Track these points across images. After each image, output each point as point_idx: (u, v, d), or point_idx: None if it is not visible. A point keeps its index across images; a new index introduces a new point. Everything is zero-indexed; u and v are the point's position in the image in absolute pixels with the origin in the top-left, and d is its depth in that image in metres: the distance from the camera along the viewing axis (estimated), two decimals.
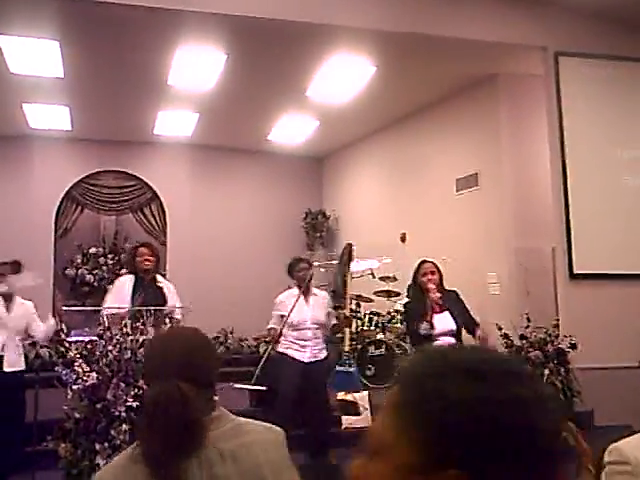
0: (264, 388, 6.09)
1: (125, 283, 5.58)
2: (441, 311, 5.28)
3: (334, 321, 6.27)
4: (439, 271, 5.42)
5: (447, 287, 5.52)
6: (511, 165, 8.74)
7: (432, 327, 5.14)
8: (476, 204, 9.17)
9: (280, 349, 5.89)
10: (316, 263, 10.59)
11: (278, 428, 1.78)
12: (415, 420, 0.80)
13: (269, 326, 5.97)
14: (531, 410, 0.80)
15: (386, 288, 9.32)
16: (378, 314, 9.31)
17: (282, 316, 5.85)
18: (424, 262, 5.47)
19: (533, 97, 8.48)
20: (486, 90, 9.02)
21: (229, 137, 11.66)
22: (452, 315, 5.27)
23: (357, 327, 9.39)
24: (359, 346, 8.89)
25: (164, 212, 12.02)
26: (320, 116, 10.46)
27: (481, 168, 9.13)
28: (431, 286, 5.29)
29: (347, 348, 5.74)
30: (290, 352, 5.81)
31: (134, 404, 3.97)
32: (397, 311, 9.15)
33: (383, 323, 9.18)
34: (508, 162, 8.75)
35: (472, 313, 5.52)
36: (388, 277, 9.29)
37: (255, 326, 10.64)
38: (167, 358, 1.67)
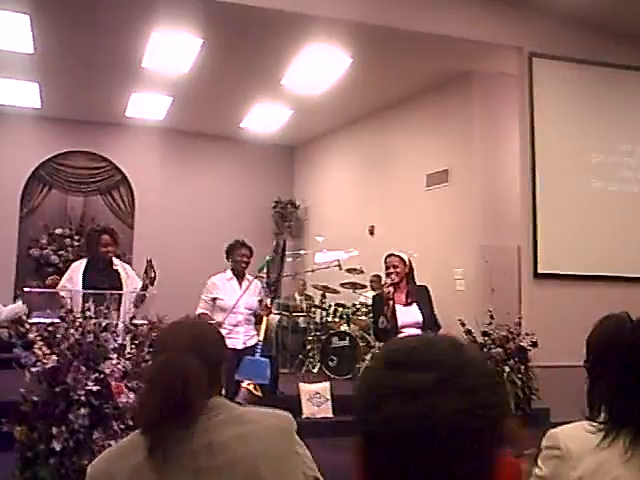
0: None
1: (78, 268, 5.48)
2: (408, 304, 5.32)
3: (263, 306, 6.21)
4: (407, 264, 5.45)
5: (418, 282, 5.56)
6: (482, 163, 8.78)
7: (388, 321, 5.19)
8: (446, 200, 9.21)
9: None
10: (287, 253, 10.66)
11: (286, 414, 1.68)
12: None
13: (198, 311, 5.75)
14: (377, 395, 0.87)
15: (352, 280, 9.33)
16: (343, 306, 9.33)
17: (214, 299, 5.75)
18: (388, 256, 5.51)
19: (506, 96, 8.53)
20: (460, 87, 9.05)
21: (202, 123, 11.59)
22: (420, 308, 5.31)
23: (322, 318, 9.43)
24: (323, 337, 8.91)
25: (133, 195, 11.91)
26: (294, 105, 10.42)
27: (452, 165, 9.17)
28: (387, 280, 5.36)
29: (261, 337, 5.72)
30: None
31: (94, 388, 3.90)
32: (362, 303, 9.17)
33: (348, 315, 9.20)
34: (479, 160, 8.80)
35: (437, 314, 5.53)
36: (355, 269, 9.30)
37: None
38: (179, 332, 1.70)
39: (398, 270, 5.38)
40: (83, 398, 3.87)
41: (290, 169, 13.08)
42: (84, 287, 5.18)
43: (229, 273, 5.90)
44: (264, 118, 11.08)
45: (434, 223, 9.34)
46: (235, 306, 5.69)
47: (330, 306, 9.45)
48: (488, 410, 0.88)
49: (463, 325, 7.35)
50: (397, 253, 5.49)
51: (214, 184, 12.35)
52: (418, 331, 5.18)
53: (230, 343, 5.56)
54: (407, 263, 5.44)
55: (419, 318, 5.29)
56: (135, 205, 11.88)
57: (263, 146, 12.40)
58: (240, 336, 5.71)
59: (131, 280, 5.58)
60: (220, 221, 12.16)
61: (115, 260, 5.63)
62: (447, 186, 9.23)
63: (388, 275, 5.41)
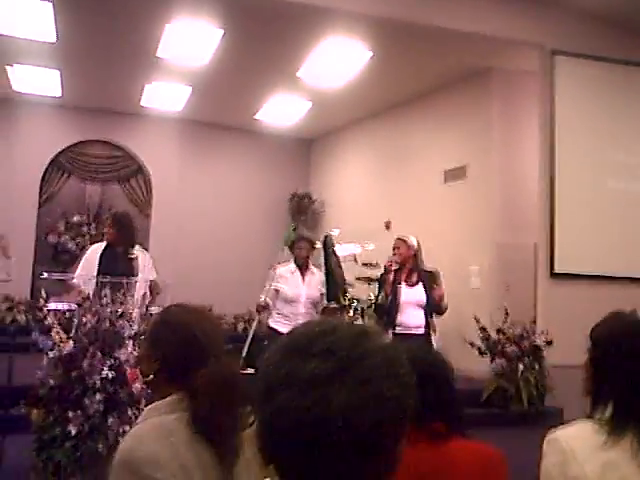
0: (251, 371, 6.09)
1: (94, 252, 5.53)
2: (414, 284, 5.52)
3: (325, 302, 6.25)
4: (412, 247, 5.63)
5: (429, 267, 5.71)
6: (500, 159, 8.75)
7: (386, 297, 5.49)
8: (463, 196, 9.18)
9: (270, 324, 5.88)
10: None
11: None
12: None
13: (261, 299, 5.91)
14: (271, 385, 0.84)
15: (368, 275, 9.31)
16: (358, 300, 9.30)
17: (277, 290, 5.86)
18: (396, 239, 5.77)
19: (526, 94, 8.49)
20: (479, 83, 9.01)
21: (219, 114, 11.59)
22: (425, 289, 5.48)
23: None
24: None
25: (150, 185, 11.95)
26: (312, 98, 10.40)
27: (470, 161, 9.14)
28: (388, 261, 5.63)
29: None
30: (280, 327, 5.78)
31: (109, 374, 3.96)
32: (377, 297, 9.16)
33: (362, 309, 9.17)
34: (497, 156, 8.76)
35: (446, 301, 5.60)
36: (370, 264, 9.28)
37: (234, 304, 10.71)
38: (213, 330, 1.76)
39: (401, 252, 5.62)
40: (98, 384, 3.92)
41: (307, 162, 13.05)
42: (99, 272, 5.22)
43: (293, 265, 5.98)
44: (281, 110, 11.06)
45: (451, 219, 9.32)
46: (296, 297, 5.81)
47: (346, 300, 9.42)
48: (385, 403, 0.83)
49: (478, 322, 7.37)
50: (401, 236, 5.77)
51: (231, 175, 12.35)
52: (420, 311, 5.45)
53: (287, 329, 5.70)
54: (411, 246, 5.64)
55: (422, 298, 5.49)
56: (152, 194, 11.93)
57: (281, 138, 12.37)
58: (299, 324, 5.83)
59: (147, 271, 5.61)
60: (236, 212, 12.20)
61: (136, 248, 5.66)
62: (464, 182, 9.20)
63: (393, 256, 5.66)
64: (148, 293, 5.30)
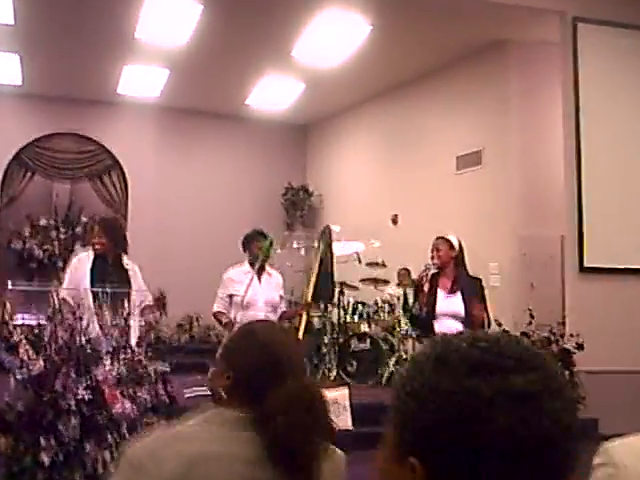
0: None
1: (83, 262, 5.47)
2: (452, 292, 5.47)
3: (284, 307, 6.23)
4: (455, 249, 5.58)
5: (471, 273, 5.68)
6: (519, 142, 8.76)
7: (420, 309, 5.41)
8: (478, 185, 9.21)
9: (226, 334, 5.87)
10: (295, 244, 10.64)
11: (339, 453, 1.86)
12: (392, 409, 0.94)
13: (215, 309, 5.88)
14: (483, 405, 0.88)
15: (374, 275, 9.32)
16: (364, 304, 9.32)
17: (231, 296, 5.85)
18: (435, 239, 5.68)
19: (546, 67, 8.47)
20: (494, 58, 9.02)
21: (202, 99, 11.60)
22: (464, 299, 5.43)
23: (339, 317, 9.40)
24: (341, 339, 8.91)
25: (126, 182, 11.95)
26: (306, 79, 10.42)
27: (485, 145, 9.17)
28: (429, 264, 5.54)
29: (300, 334, 5.82)
30: None
31: (85, 396, 3.94)
32: (385, 301, 9.17)
33: (369, 314, 9.19)
34: (516, 139, 8.78)
35: (489, 314, 5.66)
36: (376, 263, 9.29)
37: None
38: (291, 347, 1.81)
39: (440, 254, 5.52)
40: (73, 407, 3.91)
41: (302, 151, 13.08)
42: (92, 283, 5.18)
43: (247, 266, 5.99)
44: (273, 94, 11.08)
45: (465, 211, 9.33)
46: (253, 301, 5.78)
47: (348, 304, 9.44)
48: (575, 412, 0.94)
49: (500, 325, 7.36)
50: (445, 235, 5.64)
51: (217, 169, 12.38)
52: (457, 324, 5.33)
53: None
54: (455, 247, 5.57)
55: (460, 310, 5.41)
56: (128, 192, 11.92)
57: (272, 125, 12.40)
58: None
59: (139, 280, 5.61)
60: (224, 210, 12.20)
61: (125, 259, 5.65)
62: (480, 169, 9.23)
63: (432, 259, 5.57)
64: (146, 303, 5.31)
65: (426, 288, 5.46)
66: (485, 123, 9.19)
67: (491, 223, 8.91)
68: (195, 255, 11.71)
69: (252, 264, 5.94)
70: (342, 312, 9.37)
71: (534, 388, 0.90)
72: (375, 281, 9.33)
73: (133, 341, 4.43)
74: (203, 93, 11.25)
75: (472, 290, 5.49)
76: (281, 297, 6.01)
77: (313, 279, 7.02)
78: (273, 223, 11.74)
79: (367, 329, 8.96)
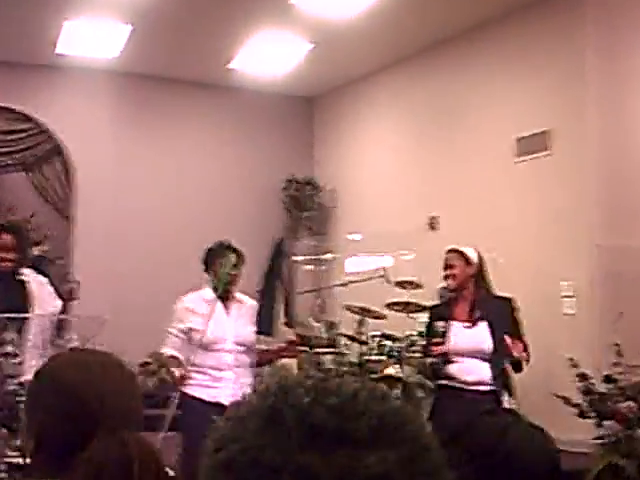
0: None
1: None
2: (472, 321, 5.59)
3: (263, 346, 6.26)
4: (472, 264, 5.69)
5: (498, 292, 5.75)
6: (599, 121, 8.75)
7: (433, 353, 5.60)
8: (545, 178, 9.19)
9: (185, 388, 5.86)
10: (299, 257, 10.62)
11: None
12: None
13: (164, 351, 5.89)
14: None
15: (405, 299, 9.29)
16: (392, 338, 9.29)
17: (187, 331, 5.86)
18: (446, 252, 5.85)
19: (636, 21, 8.45)
20: (567, 8, 9.01)
21: (174, 63, 11.63)
22: (491, 329, 5.52)
23: (359, 356, 9.39)
24: None
25: (72, 172, 11.95)
26: (313, 36, 10.42)
27: (554, 124, 9.14)
28: (443, 285, 5.76)
29: None
30: (197, 391, 5.82)
31: (19, 460, 3.97)
32: (419, 334, 9.14)
33: (399, 351, 9.15)
34: (595, 117, 8.76)
35: (528, 344, 5.65)
36: (409, 282, 9.24)
37: None
38: (110, 401, 1.74)
39: (455, 272, 5.68)
40: (3, 474, 3.91)
41: (308, 132, 13.11)
42: None
43: (208, 292, 6.01)
44: (267, 55, 11.09)
45: (528, 212, 9.33)
46: (217, 339, 5.80)
47: (372, 338, 9.46)
48: None
49: (575, 366, 7.34)
50: (457, 247, 5.80)
51: (193, 154, 12.41)
52: (482, 365, 5.51)
53: (211, 395, 5.77)
54: (473, 262, 5.71)
55: (484, 345, 5.54)
56: (76, 186, 11.92)
57: (267, 98, 12.46)
58: (226, 384, 5.80)
59: (45, 300, 5.62)
60: (201, 211, 12.20)
61: (26, 270, 5.66)
62: (548, 156, 9.21)
63: (445, 279, 5.76)
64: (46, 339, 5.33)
65: (441, 323, 5.58)
66: (554, 95, 9.18)
67: (562, 229, 8.90)
68: (165, 270, 11.67)
69: (216, 289, 5.96)
70: (363, 348, 9.40)
71: (387, 472, 0.87)
72: (407, 307, 9.28)
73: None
74: (175, 55, 11.26)
75: (501, 315, 5.58)
76: (258, 332, 6.00)
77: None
78: (269, 229, 11.61)
79: (397, 371, 8.94)
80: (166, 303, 11.28)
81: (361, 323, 9.52)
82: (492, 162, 9.88)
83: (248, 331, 5.95)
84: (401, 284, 9.32)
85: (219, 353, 5.80)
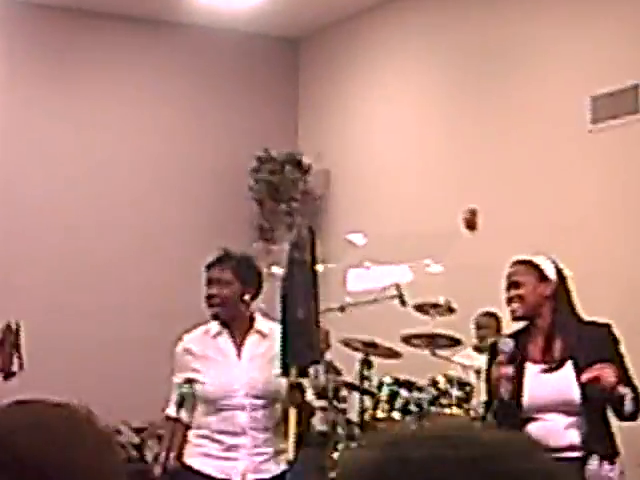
0: None
1: None
2: (550, 364, 5.57)
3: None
4: (548, 280, 5.68)
5: (584, 316, 5.79)
6: None
7: (503, 399, 5.53)
8: (635, 151, 9.15)
9: (185, 458, 5.96)
10: (276, 269, 10.45)
11: None
12: None
13: (168, 410, 6.02)
14: None
15: (429, 329, 9.12)
16: (411, 386, 9.10)
17: (191, 381, 5.91)
18: (511, 265, 5.85)
19: None
20: None
21: None
22: (577, 373, 5.46)
23: (362, 411, 9.25)
24: None
25: None
26: None
27: None
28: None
29: (291, 453, 5.79)
30: (201, 463, 5.89)
31: None
32: (453, 381, 8.95)
33: (420, 405, 8.97)
34: None
35: (633, 378, 5.59)
36: (434, 305, 9.12)
37: (141, 400, 10.73)
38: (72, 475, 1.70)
39: (521, 292, 5.63)
40: None
41: (290, 88, 13.26)
42: None
43: (215, 325, 6.07)
44: None
45: (611, 201, 9.40)
46: (228, 393, 5.88)
47: (381, 385, 9.25)
48: None
49: None
50: (526, 257, 5.79)
51: (124, 119, 12.53)
52: (568, 419, 5.49)
53: (220, 469, 5.91)
54: (550, 278, 5.68)
55: (571, 393, 5.48)
56: None
57: (231, 39, 12.62)
58: (241, 456, 5.88)
59: None
60: (135, 201, 12.37)
61: None
62: (636, 121, 9.21)
63: (508, 303, 5.73)
64: None
65: (505, 368, 5.53)
66: None
67: None
68: (76, 287, 11.79)
69: (216, 318, 6.05)
70: (367, 402, 9.32)
71: None
72: (432, 340, 9.12)
73: None
74: None
75: (594, 350, 5.50)
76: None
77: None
78: (233, 228, 12.01)
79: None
80: (84, 331, 11.38)
81: (365, 364, 9.34)
82: (557, 130, 9.90)
83: (268, 376, 5.91)
84: (423, 307, 9.27)
85: (229, 411, 5.87)
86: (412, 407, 9.06)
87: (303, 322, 5.97)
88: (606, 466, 5.36)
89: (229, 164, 12.59)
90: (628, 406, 5.30)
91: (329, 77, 12.77)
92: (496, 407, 5.63)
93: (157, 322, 11.23)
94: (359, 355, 9.38)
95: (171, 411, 5.94)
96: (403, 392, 9.18)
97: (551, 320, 5.56)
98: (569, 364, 5.44)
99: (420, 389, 9.11)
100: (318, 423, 9.55)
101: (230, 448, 5.82)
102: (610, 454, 5.45)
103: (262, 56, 13.02)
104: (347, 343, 9.51)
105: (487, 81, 10.66)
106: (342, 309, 9.47)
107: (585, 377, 5.35)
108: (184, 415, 5.91)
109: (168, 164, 12.48)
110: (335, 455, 9.29)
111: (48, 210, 11.97)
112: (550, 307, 5.57)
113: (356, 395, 9.48)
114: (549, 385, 5.44)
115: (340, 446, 9.39)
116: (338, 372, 10.16)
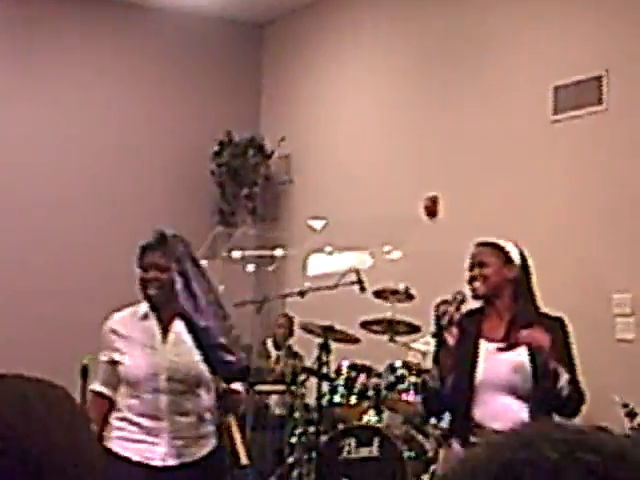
0: None
1: None
2: (507, 344, 5.60)
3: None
4: (512, 263, 5.75)
5: (545, 310, 5.85)
6: None
7: (442, 378, 5.62)
8: (595, 143, 9.21)
9: (105, 441, 5.86)
10: (237, 253, 10.52)
11: None
12: None
13: (92, 387, 6.02)
14: None
15: (388, 315, 9.21)
16: (369, 371, 9.21)
17: (114, 362, 5.90)
18: (476, 246, 5.92)
19: None
20: None
21: None
22: (532, 358, 5.55)
23: (321, 396, 9.30)
24: (323, 438, 8.89)
25: None
26: None
27: (609, 65, 9.18)
28: (460, 292, 5.81)
29: (244, 458, 5.90)
30: (120, 446, 5.82)
31: None
32: (410, 366, 9.05)
33: (378, 390, 9.07)
34: None
35: (581, 383, 5.68)
36: (394, 291, 9.20)
37: None
38: (51, 450, 1.70)
39: (487, 272, 5.69)
40: None
41: (253, 71, 13.35)
42: None
43: (143, 307, 6.01)
44: None
45: (570, 193, 9.40)
46: (148, 377, 5.80)
47: (339, 371, 9.38)
48: None
49: (631, 415, 7.34)
50: (491, 240, 5.85)
51: (88, 102, 12.50)
52: (517, 405, 5.55)
53: (141, 453, 5.84)
54: (514, 261, 5.76)
55: (522, 374, 5.56)
56: None
57: (194, 22, 12.71)
58: (161, 440, 5.81)
59: None
60: (98, 183, 12.33)
61: None
62: (599, 112, 9.25)
63: (470, 282, 5.77)
64: None
65: (452, 339, 5.60)
66: (611, 26, 9.22)
67: (619, 218, 8.96)
68: (28, 277, 11.79)
69: (151, 302, 6.00)
70: (327, 387, 9.35)
71: None
72: (391, 326, 9.22)
73: None
74: None
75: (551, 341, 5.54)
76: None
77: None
78: (195, 210, 12.09)
79: (374, 420, 8.93)
80: (34, 323, 11.40)
81: (323, 349, 9.40)
82: (520, 120, 9.95)
83: (190, 360, 5.83)
84: (382, 294, 9.33)
85: (150, 395, 5.78)
86: (370, 393, 9.15)
87: (207, 330, 5.84)
88: None
89: (191, 148, 12.64)
90: (564, 385, 5.38)
91: (293, 62, 12.83)
92: (434, 386, 5.64)
93: (114, 306, 11.13)
94: (317, 340, 9.35)
95: (95, 386, 5.93)
96: (361, 377, 9.30)
97: (510, 303, 5.63)
98: (523, 349, 5.50)
99: (378, 375, 9.19)
100: (276, 405, 9.63)
101: (150, 432, 5.78)
102: None
103: (226, 40, 13.05)
104: (306, 328, 9.58)
105: (451, 69, 10.70)
106: (302, 294, 9.51)
107: (523, 336, 5.43)
108: (106, 390, 5.88)
109: (129, 147, 12.50)
110: (293, 439, 9.33)
111: (18, 198, 12.01)
112: (511, 290, 5.64)
113: (313, 380, 9.45)
114: (503, 364, 5.49)
115: (297, 430, 9.41)
116: (298, 357, 10.31)
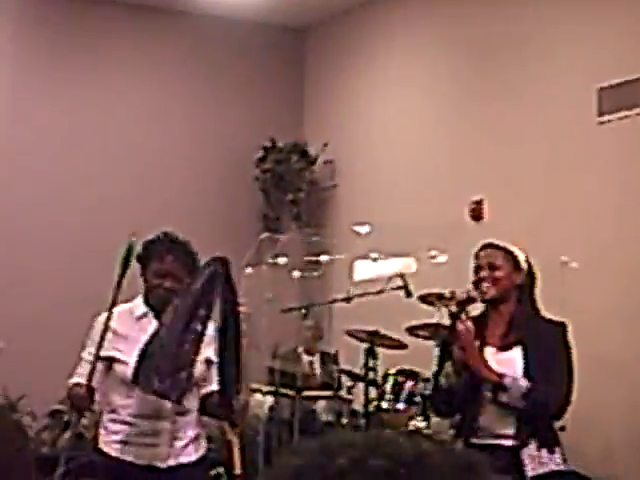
0: None
1: None
2: (506, 346, 5.67)
3: (214, 385, 5.99)
4: (520, 268, 5.78)
5: (547, 315, 5.87)
6: None
7: (454, 375, 5.59)
8: None
9: (100, 445, 5.86)
10: (282, 259, 10.54)
11: None
12: None
13: (73, 381, 5.79)
14: None
15: (434, 320, 9.19)
16: (416, 376, 9.21)
17: (110, 360, 5.78)
18: (482, 248, 5.94)
19: None
20: None
21: None
22: (526, 360, 5.59)
23: (368, 402, 9.32)
24: None
25: None
26: None
27: None
28: (472, 293, 5.80)
29: (237, 469, 5.93)
30: (113, 449, 5.78)
31: None
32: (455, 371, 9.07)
33: (425, 396, 9.06)
34: None
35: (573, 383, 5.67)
36: (441, 296, 9.15)
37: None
38: None
39: (498, 274, 5.71)
40: None
41: (296, 78, 13.29)
42: None
43: (140, 304, 5.98)
44: None
45: (616, 194, 9.36)
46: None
47: (385, 378, 9.40)
48: None
49: None
50: (501, 244, 5.87)
51: (126, 108, 12.55)
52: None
53: (141, 455, 5.79)
54: (522, 267, 5.80)
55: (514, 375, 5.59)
56: None
57: (236, 28, 12.67)
58: (163, 442, 5.78)
59: None
60: (136, 191, 12.37)
61: None
62: None
63: (477, 284, 5.76)
64: None
65: (465, 327, 5.64)
66: None
67: None
68: (74, 279, 11.82)
69: (148, 300, 5.96)
70: (373, 392, 9.38)
71: None
72: (437, 331, 9.18)
73: None
74: None
75: (544, 343, 5.64)
76: (210, 363, 5.83)
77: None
78: (239, 217, 12.12)
79: (422, 425, 8.92)
80: (79, 323, 11.38)
81: (369, 354, 9.41)
82: (564, 122, 9.90)
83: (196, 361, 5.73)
84: (428, 298, 9.27)
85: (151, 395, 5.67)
86: (417, 398, 9.17)
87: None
88: (545, 453, 5.49)
89: (235, 154, 12.61)
90: (513, 394, 5.41)
91: (335, 67, 12.79)
92: (446, 385, 5.62)
93: None
94: (364, 346, 9.39)
95: (79, 379, 5.70)
96: (408, 383, 9.32)
97: (514, 308, 5.67)
98: (518, 350, 5.56)
99: (425, 380, 9.21)
100: (322, 410, 9.64)
101: (150, 433, 5.73)
102: (548, 443, 5.55)
103: (268, 45, 13.01)
104: (351, 334, 9.59)
105: (494, 72, 10.70)
106: (348, 300, 9.54)
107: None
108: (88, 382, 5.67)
109: (174, 154, 12.51)
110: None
111: (47, 200, 12.03)
112: (516, 296, 5.69)
113: (361, 386, 9.47)
114: (503, 364, 5.52)
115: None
116: (334, 359, 10.37)
